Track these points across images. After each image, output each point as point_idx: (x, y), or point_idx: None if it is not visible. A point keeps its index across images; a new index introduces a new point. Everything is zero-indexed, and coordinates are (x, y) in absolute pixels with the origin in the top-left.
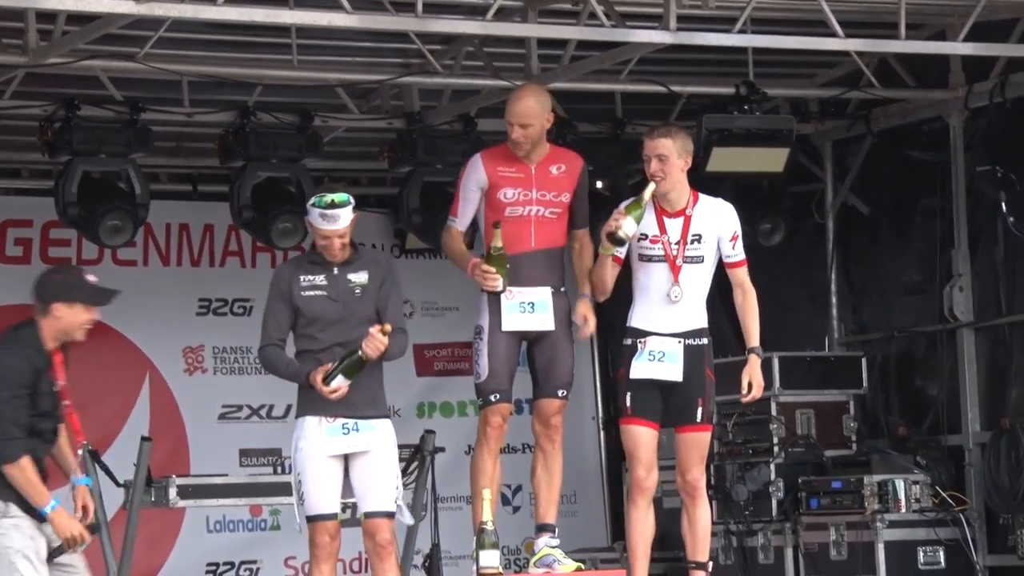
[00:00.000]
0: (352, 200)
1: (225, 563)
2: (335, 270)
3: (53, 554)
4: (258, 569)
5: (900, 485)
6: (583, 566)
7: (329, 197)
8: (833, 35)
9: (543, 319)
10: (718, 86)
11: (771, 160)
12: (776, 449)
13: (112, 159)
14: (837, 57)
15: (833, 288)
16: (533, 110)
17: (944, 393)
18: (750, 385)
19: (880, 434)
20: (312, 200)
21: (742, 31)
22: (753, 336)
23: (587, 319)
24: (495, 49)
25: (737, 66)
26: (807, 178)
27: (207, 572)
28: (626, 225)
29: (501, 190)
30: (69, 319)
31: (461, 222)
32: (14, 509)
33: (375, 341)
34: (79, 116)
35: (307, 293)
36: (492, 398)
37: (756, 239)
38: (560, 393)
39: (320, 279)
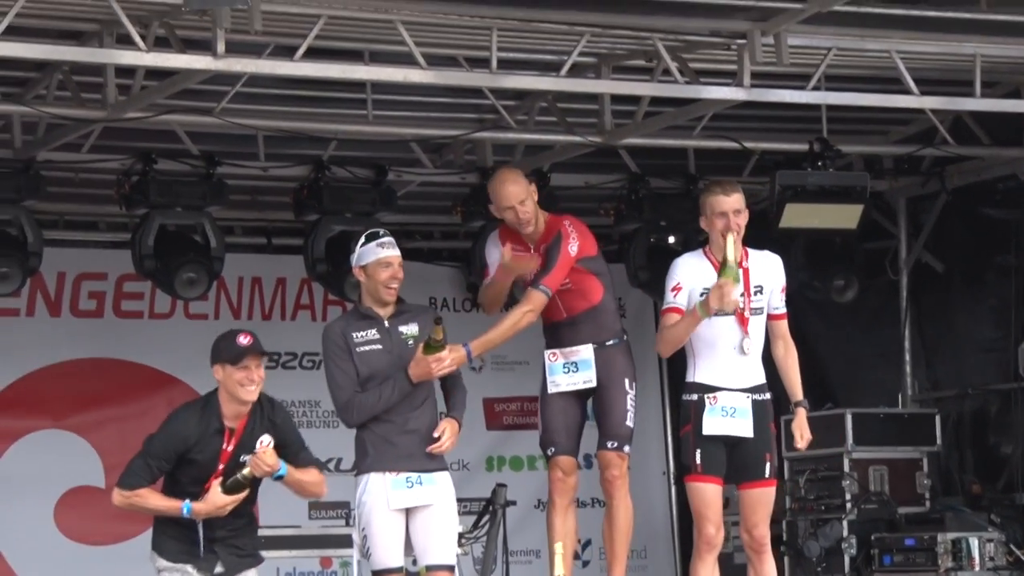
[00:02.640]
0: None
1: None
2: (386, 323)
3: None
4: None
5: (974, 543)
6: None
7: (376, 230)
8: (908, 92)
9: (586, 377)
10: (792, 142)
11: (844, 216)
12: (849, 505)
13: (188, 212)
14: (911, 114)
15: (907, 345)
16: (523, 187)
17: (1019, 451)
18: (800, 437)
19: (954, 491)
20: (359, 241)
21: (816, 88)
22: (798, 389)
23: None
24: (568, 105)
25: (811, 123)
26: (881, 235)
27: None
28: (736, 290)
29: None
30: (224, 380)
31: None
32: (161, 562)
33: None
34: (156, 170)
35: (362, 348)
36: (548, 452)
37: (829, 295)
38: (610, 445)
39: (373, 333)
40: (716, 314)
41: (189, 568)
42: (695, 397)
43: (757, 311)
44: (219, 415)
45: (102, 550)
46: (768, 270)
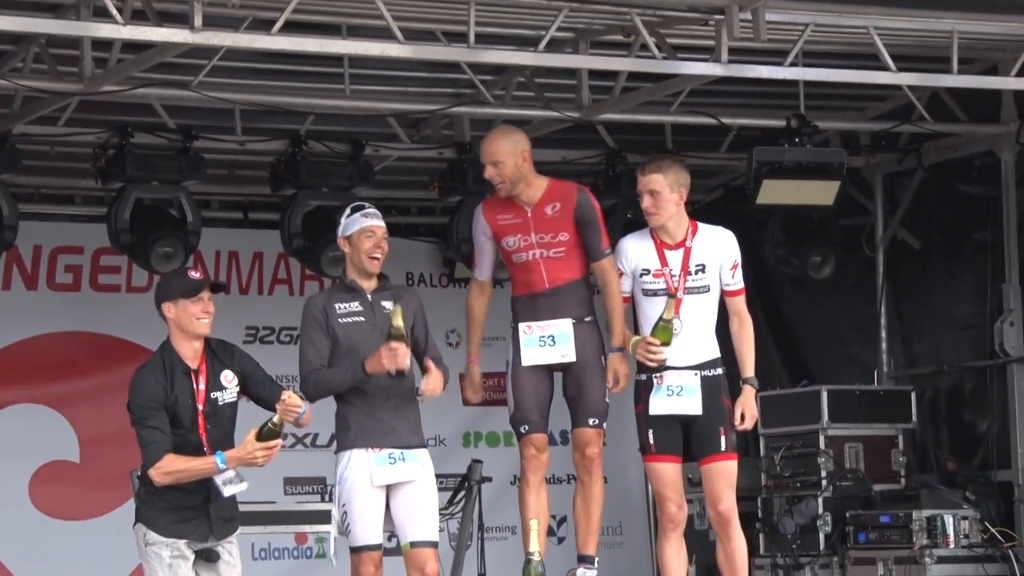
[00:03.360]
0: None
1: None
2: (369, 297)
3: (202, 555)
4: None
5: (949, 520)
6: None
7: (360, 203)
8: (885, 69)
9: (564, 351)
10: (769, 118)
11: (821, 193)
12: (824, 483)
13: (164, 186)
14: (889, 91)
15: (883, 322)
16: (503, 148)
17: (994, 428)
18: (743, 416)
19: (929, 469)
20: (345, 212)
21: (793, 64)
22: (748, 367)
23: (619, 376)
24: (546, 80)
25: (788, 99)
26: (857, 211)
27: None
28: (666, 352)
29: (504, 239)
30: (177, 316)
31: (480, 272)
32: (152, 535)
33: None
34: (132, 143)
35: (344, 320)
36: (521, 429)
37: (805, 271)
38: (591, 422)
39: (356, 306)
40: (655, 295)
41: (182, 544)
42: (644, 377)
43: (698, 290)
44: (179, 359)
45: (77, 524)
46: (714, 247)
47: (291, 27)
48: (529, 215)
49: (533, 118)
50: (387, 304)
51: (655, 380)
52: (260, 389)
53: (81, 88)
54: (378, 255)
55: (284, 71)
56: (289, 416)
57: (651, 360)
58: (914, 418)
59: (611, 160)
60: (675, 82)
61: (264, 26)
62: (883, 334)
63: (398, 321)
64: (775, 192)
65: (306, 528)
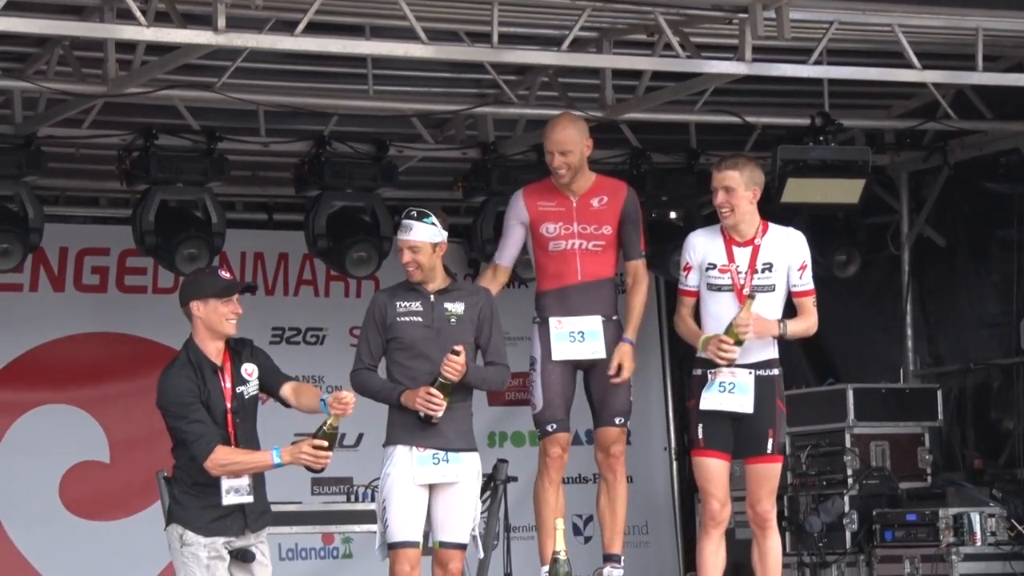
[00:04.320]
0: (437, 222)
1: None
2: (432, 298)
3: (237, 555)
4: None
5: (976, 518)
6: None
7: (413, 209)
8: (910, 66)
9: (594, 347)
10: (793, 117)
11: (846, 191)
12: (850, 481)
13: (189, 188)
14: (914, 88)
15: (909, 320)
16: (572, 137)
17: (1020, 426)
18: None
19: (956, 467)
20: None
21: (818, 62)
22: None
23: (622, 367)
24: (570, 80)
25: (812, 97)
26: (883, 209)
27: None
28: (738, 352)
29: (543, 225)
30: (207, 316)
31: (501, 256)
32: (190, 536)
33: (451, 363)
34: (157, 145)
35: (403, 319)
36: (549, 428)
37: (831, 270)
38: (618, 421)
39: (416, 305)
40: (720, 290)
41: (220, 544)
42: (699, 372)
43: (763, 288)
44: (205, 357)
45: (107, 525)
46: (783, 248)
47: (314, 28)
48: (574, 205)
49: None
50: (449, 306)
51: (710, 375)
52: (269, 379)
53: (105, 90)
54: (411, 268)
55: (308, 72)
56: (343, 413)
57: (722, 359)
58: (940, 416)
59: (635, 159)
60: (699, 81)
61: (287, 27)
62: (909, 332)
63: (332, 423)
64: (800, 191)
65: (333, 528)
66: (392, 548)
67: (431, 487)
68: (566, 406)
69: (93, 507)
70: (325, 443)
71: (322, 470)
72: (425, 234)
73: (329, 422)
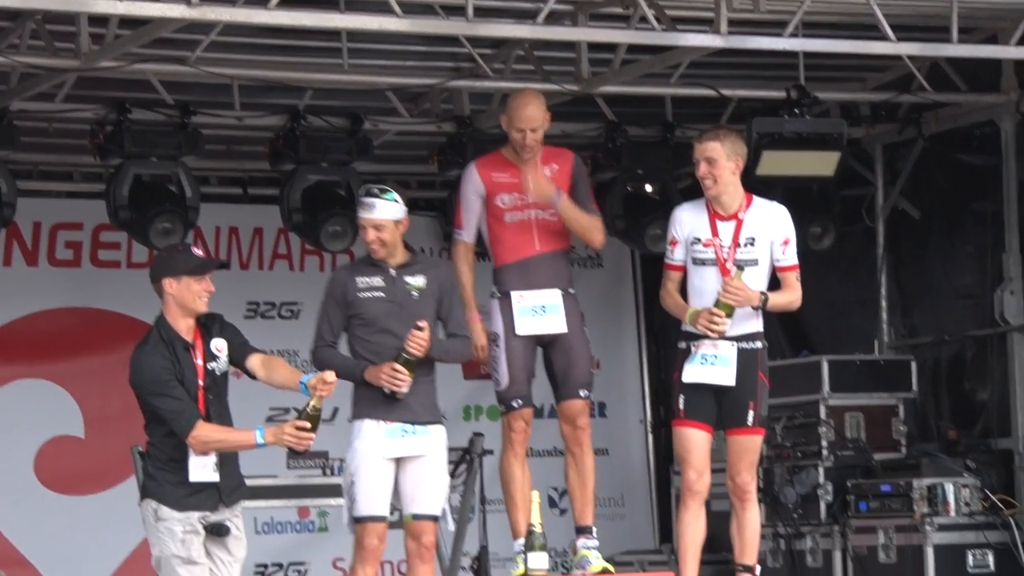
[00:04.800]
0: (398, 199)
1: (273, 564)
2: (392, 272)
3: (211, 530)
4: (306, 571)
5: (950, 489)
6: (611, 567)
7: (373, 187)
8: (885, 39)
9: (555, 321)
10: (769, 90)
11: (821, 164)
12: (825, 452)
13: (163, 162)
14: (888, 61)
15: (883, 292)
16: (541, 113)
17: (995, 397)
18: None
19: (930, 438)
20: (360, 191)
21: (793, 35)
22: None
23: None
24: (545, 53)
25: (788, 70)
26: (857, 182)
27: (256, 573)
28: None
29: (498, 196)
30: (180, 293)
31: (468, 233)
32: (165, 511)
33: (415, 339)
34: (130, 119)
35: (364, 295)
36: (515, 404)
37: (806, 243)
38: (582, 393)
39: (377, 280)
40: (704, 264)
41: (195, 518)
42: (684, 345)
43: (746, 262)
44: (176, 334)
45: (83, 500)
46: (766, 222)
47: (288, 1)
48: (523, 176)
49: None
50: (410, 280)
51: (693, 348)
52: (237, 352)
53: (78, 64)
54: (376, 247)
55: (282, 46)
56: (324, 392)
57: (714, 331)
58: (915, 387)
59: (611, 133)
60: (674, 54)
61: (261, 1)
62: (883, 304)
63: (315, 404)
64: (775, 163)
65: (308, 502)
66: (360, 522)
67: (398, 461)
68: (529, 381)
69: (68, 482)
70: (308, 424)
71: (305, 452)
72: (388, 211)
73: (312, 404)
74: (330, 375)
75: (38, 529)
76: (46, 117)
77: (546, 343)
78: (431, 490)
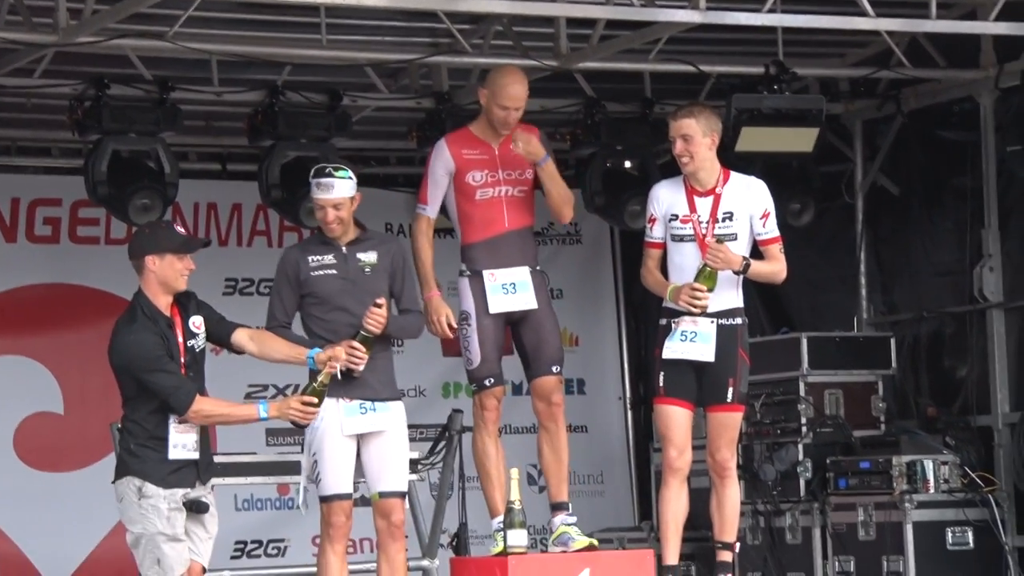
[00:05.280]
0: (352, 176)
1: (253, 541)
2: (344, 249)
3: (190, 507)
4: (286, 547)
5: (929, 465)
6: (596, 543)
7: (326, 167)
8: (863, 14)
9: (526, 298)
10: (747, 66)
11: (800, 140)
12: (804, 429)
13: (141, 138)
14: (867, 36)
15: (863, 268)
16: (525, 93)
17: (974, 374)
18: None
19: (909, 415)
20: (312, 171)
21: (772, 10)
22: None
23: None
24: (524, 28)
25: (767, 46)
26: (837, 158)
27: (235, 550)
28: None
29: (468, 173)
30: (163, 270)
31: (431, 209)
32: (149, 488)
33: (373, 316)
34: (108, 95)
35: (316, 273)
36: (487, 383)
37: (785, 219)
38: (554, 369)
39: (329, 258)
40: (683, 240)
41: (179, 495)
42: (664, 321)
43: (725, 238)
44: (158, 311)
45: (62, 476)
46: (747, 196)
47: None
48: (496, 151)
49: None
50: (361, 256)
51: (673, 324)
52: (217, 328)
53: (56, 40)
54: (333, 226)
55: (260, 21)
56: (333, 369)
57: (696, 306)
58: (894, 364)
59: (590, 109)
60: (653, 30)
61: None
62: (863, 281)
63: (323, 380)
64: (754, 139)
65: (288, 479)
66: (326, 501)
67: (360, 440)
68: (500, 359)
69: (48, 458)
70: (315, 400)
71: (307, 425)
72: (345, 189)
73: (320, 379)
74: (340, 351)
75: (18, 506)
76: (24, 92)
77: (515, 320)
78: (394, 466)
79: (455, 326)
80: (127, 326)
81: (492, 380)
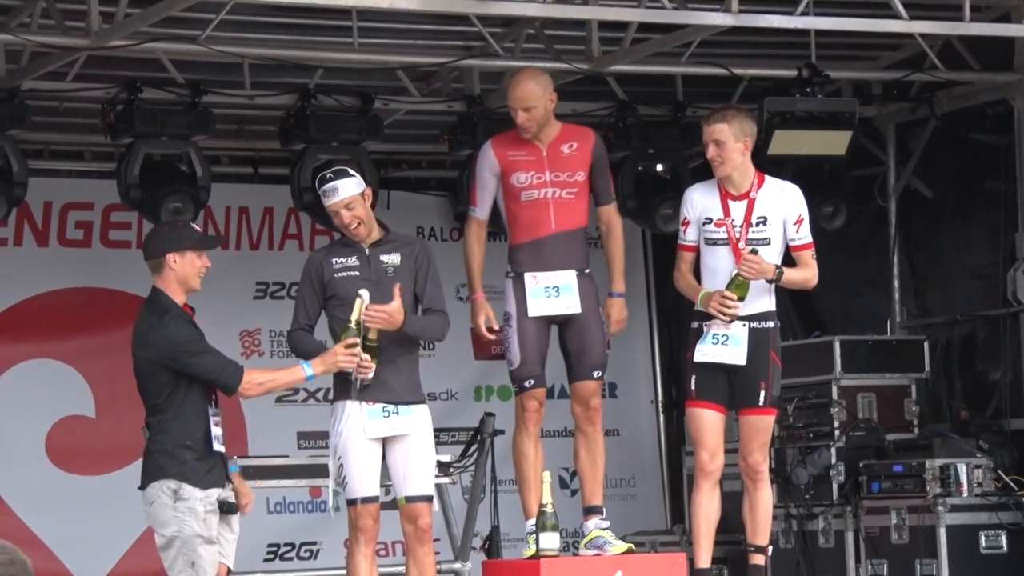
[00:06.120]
0: (354, 172)
1: (286, 544)
2: (367, 251)
3: (223, 508)
4: (318, 550)
5: (962, 469)
6: (634, 547)
7: (326, 173)
8: (897, 17)
9: (569, 302)
10: (780, 68)
11: (833, 143)
12: (837, 433)
13: (174, 142)
14: (901, 39)
15: (895, 272)
16: (534, 92)
17: (1007, 377)
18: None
19: (942, 418)
20: (316, 183)
21: (804, 13)
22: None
23: (615, 322)
24: (556, 32)
25: (799, 48)
26: (869, 161)
27: (268, 553)
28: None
29: (514, 175)
30: (183, 268)
31: (481, 210)
32: (187, 489)
33: (368, 312)
34: (141, 99)
35: (340, 275)
36: (527, 384)
37: (817, 222)
38: (595, 375)
39: (352, 260)
40: (716, 244)
41: (214, 496)
42: (696, 324)
43: (758, 242)
44: (182, 309)
45: (94, 480)
46: (778, 201)
47: None
48: (544, 153)
49: (543, 70)
50: (385, 258)
51: (705, 328)
52: None
53: (88, 43)
54: (354, 227)
55: (292, 24)
56: (369, 318)
57: (726, 315)
58: (927, 368)
59: (621, 112)
60: (685, 32)
61: None
62: (896, 284)
63: (355, 317)
64: (786, 143)
65: (320, 482)
66: (353, 505)
67: (385, 443)
68: (542, 361)
69: (80, 462)
70: (356, 341)
71: (368, 380)
72: (350, 187)
73: (353, 318)
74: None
75: (50, 509)
76: (57, 96)
77: (560, 323)
78: (419, 470)
79: (496, 328)
80: (158, 319)
81: (532, 382)
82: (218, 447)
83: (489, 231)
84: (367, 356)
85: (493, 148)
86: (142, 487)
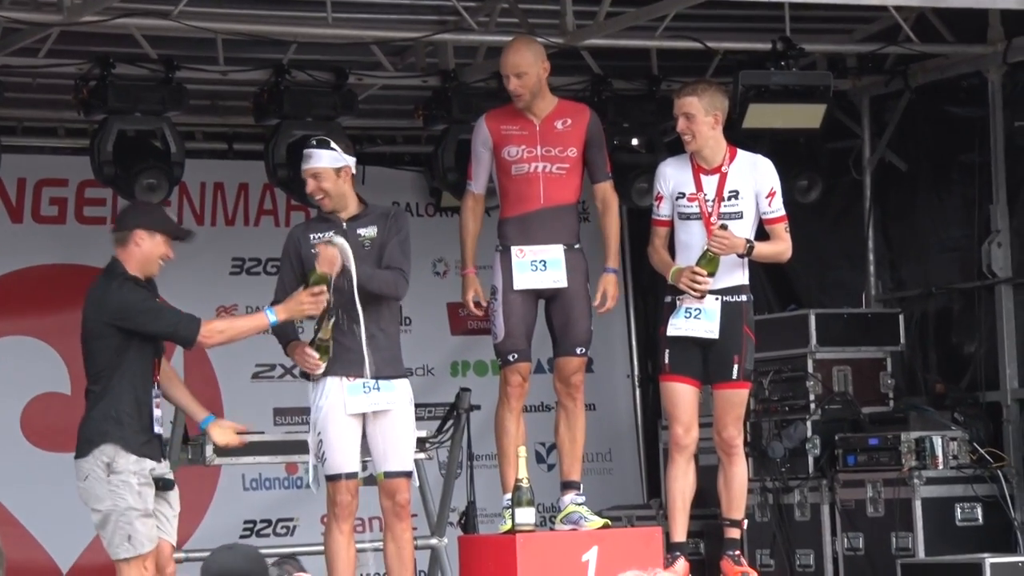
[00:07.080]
0: (337, 147)
1: (262, 521)
2: (344, 225)
3: (158, 484)
4: (295, 527)
5: (937, 442)
6: (609, 523)
7: (312, 138)
8: None
9: (555, 276)
10: (755, 42)
11: (808, 116)
12: (813, 406)
13: (147, 117)
14: (875, 12)
15: (870, 245)
16: (527, 59)
17: (982, 350)
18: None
19: (918, 391)
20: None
21: None
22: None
23: (608, 296)
24: (530, 5)
25: (774, 22)
26: (844, 134)
27: (244, 529)
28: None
29: (505, 148)
30: (149, 248)
31: (477, 184)
32: (121, 461)
33: (323, 251)
34: (114, 74)
35: (317, 249)
36: (511, 358)
37: (792, 196)
38: (579, 351)
39: (330, 235)
40: (689, 218)
41: (147, 468)
42: (669, 299)
43: (731, 216)
44: (136, 277)
45: (69, 457)
46: (750, 175)
47: None
48: (537, 127)
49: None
50: (362, 231)
51: (678, 301)
52: None
53: (61, 19)
54: (319, 197)
55: None
56: (325, 264)
57: (696, 290)
58: (902, 341)
59: (596, 86)
60: (660, 6)
61: None
62: (871, 257)
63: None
64: (761, 116)
65: (296, 458)
66: (332, 480)
67: (364, 418)
68: (527, 335)
69: (55, 439)
70: (315, 289)
71: (317, 376)
72: (326, 160)
73: (318, 270)
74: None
75: (25, 486)
76: (30, 72)
77: (547, 297)
78: (399, 446)
79: (483, 304)
80: (110, 282)
81: (516, 356)
82: (157, 429)
83: (488, 208)
84: (316, 354)
85: (487, 122)
86: (81, 455)
